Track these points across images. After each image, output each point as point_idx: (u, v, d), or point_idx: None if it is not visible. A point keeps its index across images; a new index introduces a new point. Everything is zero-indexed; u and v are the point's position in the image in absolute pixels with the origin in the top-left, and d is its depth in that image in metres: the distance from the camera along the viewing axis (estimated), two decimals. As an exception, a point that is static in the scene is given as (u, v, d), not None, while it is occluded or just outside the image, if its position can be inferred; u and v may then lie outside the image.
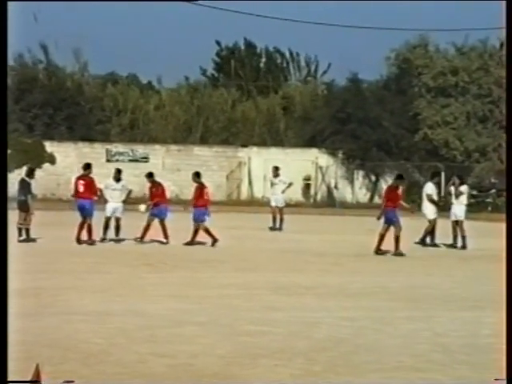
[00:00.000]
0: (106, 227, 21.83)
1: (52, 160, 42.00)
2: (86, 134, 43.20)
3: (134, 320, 11.06)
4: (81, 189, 21.41)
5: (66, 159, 42.36)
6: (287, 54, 54.08)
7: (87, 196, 21.49)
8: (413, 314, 12.07)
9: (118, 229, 21.92)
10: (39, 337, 9.79)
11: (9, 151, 41.30)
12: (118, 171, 22.97)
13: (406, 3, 63.27)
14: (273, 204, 27.72)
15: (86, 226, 21.13)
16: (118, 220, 21.97)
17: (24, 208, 21.85)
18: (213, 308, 12.21)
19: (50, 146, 42.15)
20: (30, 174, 23.06)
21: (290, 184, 28.24)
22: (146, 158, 42.33)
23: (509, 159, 11.70)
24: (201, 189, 22.27)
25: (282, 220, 27.30)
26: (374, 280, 15.97)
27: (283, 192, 27.83)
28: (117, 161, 41.78)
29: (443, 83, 42.37)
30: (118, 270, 16.69)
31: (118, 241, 21.74)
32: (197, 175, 22.80)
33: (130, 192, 22.57)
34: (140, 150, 42.74)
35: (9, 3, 6.70)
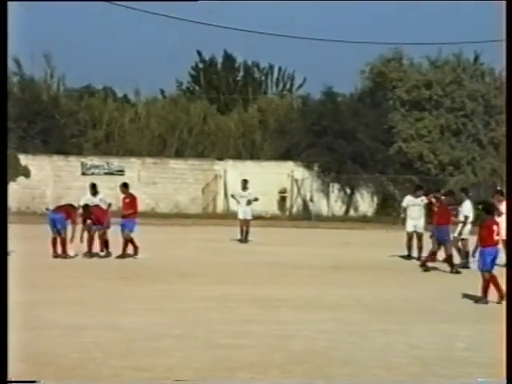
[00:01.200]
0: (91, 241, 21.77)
1: (26, 173, 41.81)
2: (60, 148, 43.04)
3: (110, 334, 11.03)
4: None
5: (41, 172, 42.19)
6: (264, 68, 54.25)
7: (58, 210, 21.56)
8: (388, 327, 12.12)
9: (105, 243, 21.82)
10: (13, 352, 9.73)
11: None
12: (93, 186, 22.87)
13: (381, 16, 63.79)
14: (240, 217, 27.83)
15: (59, 240, 21.05)
16: (103, 234, 21.82)
17: None
18: (188, 321, 12.20)
19: (24, 159, 41.98)
20: None
21: (256, 199, 28.38)
22: (121, 170, 42.23)
23: (509, 161, 11.78)
24: (130, 199, 22.14)
25: (247, 232, 27.44)
26: (350, 292, 16.02)
27: (249, 205, 27.93)
28: (92, 174, 41.63)
29: (417, 96, 42.62)
30: (94, 283, 16.63)
31: (105, 256, 21.60)
32: (125, 186, 22.74)
33: (109, 205, 22.45)
34: (115, 162, 42.65)
35: (9, 3, 6.66)
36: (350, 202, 43.43)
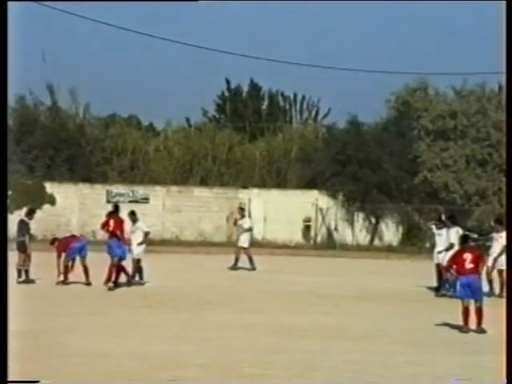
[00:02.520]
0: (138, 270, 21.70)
1: (52, 201, 42.00)
2: (86, 175, 43.25)
3: (134, 362, 11.01)
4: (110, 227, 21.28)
5: (66, 200, 42.37)
6: (289, 96, 54.36)
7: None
8: (414, 358, 12.01)
9: (139, 271, 21.67)
10: (37, 379, 9.73)
11: (9, 192, 41.51)
12: (133, 213, 22.63)
13: (406, 46, 63.86)
14: (240, 244, 27.87)
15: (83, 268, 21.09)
16: (137, 262, 21.72)
17: (22, 249, 21.84)
18: (213, 350, 12.16)
19: (50, 187, 42.20)
20: (30, 214, 23.05)
21: (250, 229, 28.41)
22: (146, 198, 42.35)
23: (509, 163, 11.72)
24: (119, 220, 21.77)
25: (250, 259, 27.40)
26: (375, 322, 15.92)
27: (246, 232, 27.94)
28: (117, 202, 41.78)
29: (442, 126, 42.49)
30: (118, 311, 16.64)
31: (139, 283, 21.54)
32: (115, 208, 22.53)
33: (147, 234, 22.40)
34: (140, 190, 42.78)
35: (10, 4, 6.70)
36: (374, 231, 43.25)
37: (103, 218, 22.33)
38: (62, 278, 21.31)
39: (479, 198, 41.27)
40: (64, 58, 47.12)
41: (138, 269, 21.77)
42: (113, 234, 21.23)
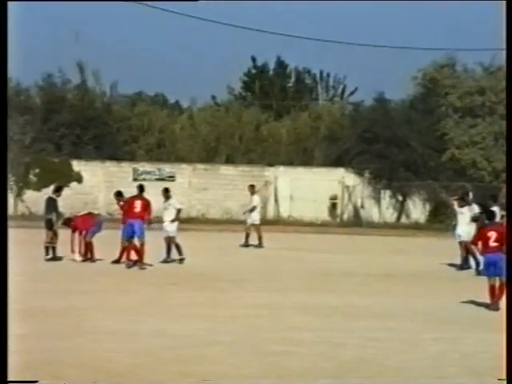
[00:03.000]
0: (169, 247, 21.70)
1: (79, 179, 42.19)
2: (113, 154, 43.37)
3: (161, 340, 11.05)
4: (136, 209, 20.88)
5: (93, 178, 42.54)
6: (316, 74, 54.11)
7: (138, 216, 20.95)
8: (440, 336, 11.96)
9: (176, 247, 21.67)
10: (66, 357, 9.80)
11: (37, 170, 41.76)
12: (166, 190, 22.64)
13: (434, 22, 63.32)
14: (250, 221, 27.88)
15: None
16: (172, 239, 21.74)
17: (50, 226, 21.94)
18: (240, 328, 12.17)
19: (77, 165, 42.37)
20: (57, 192, 23.15)
21: (254, 208, 28.19)
22: (172, 176, 42.42)
23: (509, 161, 11.58)
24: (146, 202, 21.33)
25: (259, 237, 27.37)
26: (402, 300, 15.87)
27: (252, 211, 27.90)
28: (143, 180, 41.83)
29: (470, 103, 42.16)
30: (144, 289, 16.70)
31: (168, 261, 21.53)
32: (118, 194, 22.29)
33: (179, 211, 22.36)
34: (167, 169, 42.85)
35: (9, 3, 6.69)
36: (401, 208, 43.10)
37: (128, 196, 22.23)
38: (78, 256, 21.36)
39: (507, 174, 40.95)
40: (92, 36, 47.09)
41: (175, 246, 21.72)
42: (139, 216, 20.87)
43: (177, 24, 56.14)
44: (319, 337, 11.55)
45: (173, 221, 21.95)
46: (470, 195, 23.14)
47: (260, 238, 27.43)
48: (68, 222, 22.11)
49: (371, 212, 42.55)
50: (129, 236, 20.78)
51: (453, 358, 10.37)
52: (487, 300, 14.92)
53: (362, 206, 42.46)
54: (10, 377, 7.74)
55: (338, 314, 13.86)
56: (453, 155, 41.52)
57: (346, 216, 42.94)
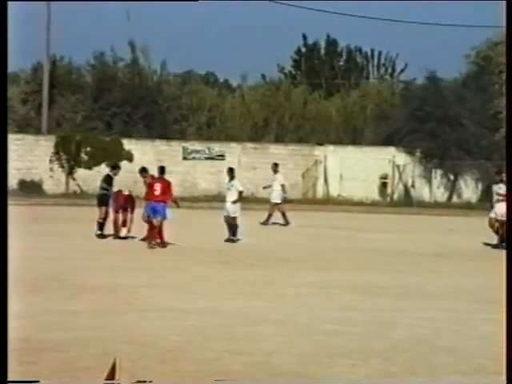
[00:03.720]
0: (229, 227, 21.63)
1: (130, 158, 42.43)
2: (163, 132, 43.55)
3: (210, 318, 11.08)
4: (156, 192, 20.74)
5: (144, 157, 42.71)
6: (367, 53, 53.67)
7: (160, 199, 20.67)
8: (492, 316, 11.82)
9: (230, 228, 21.57)
10: (117, 333, 9.87)
11: (88, 149, 42.09)
12: (231, 170, 22.54)
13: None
14: (271, 200, 27.75)
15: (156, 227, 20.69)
16: (232, 219, 21.63)
17: (104, 203, 22.01)
18: (289, 307, 12.16)
19: (127, 144, 42.61)
20: (114, 169, 23.36)
21: (283, 186, 28.03)
22: (222, 155, 42.50)
23: (509, 159, 11.34)
24: (167, 183, 21.04)
25: (283, 215, 27.15)
26: (453, 280, 15.73)
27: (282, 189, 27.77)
28: (193, 158, 42.03)
29: (525, 81, 41.65)
30: (194, 267, 16.76)
31: (233, 240, 21.44)
32: (143, 170, 22.20)
33: (241, 193, 22.14)
34: (216, 148, 42.93)
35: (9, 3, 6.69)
36: (453, 188, 42.71)
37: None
38: (126, 231, 21.48)
39: (562, 154, 40.34)
40: (142, 16, 47.17)
41: (233, 226, 21.62)
42: (161, 200, 20.52)
43: (225, 1, 55.91)
44: (369, 316, 11.49)
45: (234, 202, 21.83)
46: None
47: (284, 215, 27.08)
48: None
49: (422, 191, 42.23)
50: (148, 215, 20.52)
51: (503, 339, 10.23)
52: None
53: (413, 186, 42.15)
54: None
55: (388, 293, 13.78)
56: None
57: (396, 195, 42.68)
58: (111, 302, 12.05)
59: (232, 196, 21.94)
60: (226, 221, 21.77)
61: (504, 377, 6.57)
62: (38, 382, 6.36)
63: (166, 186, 20.98)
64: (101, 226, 21.79)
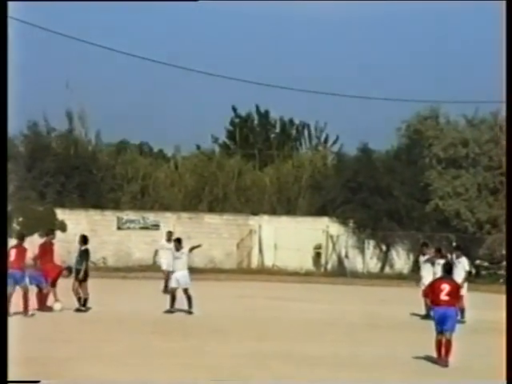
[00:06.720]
0: (173, 298, 21.48)
1: (63, 227, 41.99)
2: (97, 202, 43.27)
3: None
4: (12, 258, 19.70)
5: (77, 227, 42.30)
6: (299, 124, 54.33)
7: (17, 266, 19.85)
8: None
9: (188, 299, 21.50)
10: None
11: (20, 219, 41.56)
12: (178, 240, 22.51)
13: (417, 75, 63.95)
14: (164, 268, 27.61)
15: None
16: (185, 291, 21.60)
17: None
18: (223, 377, 12.09)
19: (61, 214, 42.21)
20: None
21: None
22: (156, 225, 42.34)
23: (509, 162, 11.62)
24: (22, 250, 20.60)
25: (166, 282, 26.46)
26: (386, 351, 15.81)
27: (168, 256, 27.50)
28: (128, 228, 41.81)
29: (454, 154, 42.47)
30: (127, 338, 16.57)
31: (189, 312, 21.37)
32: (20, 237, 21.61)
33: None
34: (151, 217, 42.79)
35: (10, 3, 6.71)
36: (385, 259, 43.12)
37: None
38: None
39: (491, 226, 41.12)
40: (75, 84, 47.02)
41: (187, 297, 21.51)
42: (15, 266, 19.70)
43: (160, 73, 56.24)
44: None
45: (184, 271, 21.75)
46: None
47: (166, 282, 26.35)
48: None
49: (355, 262, 42.54)
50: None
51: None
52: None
53: (347, 256, 42.46)
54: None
55: (321, 363, 13.80)
56: (436, 206, 41.70)
57: (330, 266, 42.90)
58: (37, 375, 11.83)
59: (183, 265, 21.82)
60: (172, 291, 21.57)
61: (504, 377, 6.59)
62: (38, 382, 6.21)
63: (21, 252, 20.32)
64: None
